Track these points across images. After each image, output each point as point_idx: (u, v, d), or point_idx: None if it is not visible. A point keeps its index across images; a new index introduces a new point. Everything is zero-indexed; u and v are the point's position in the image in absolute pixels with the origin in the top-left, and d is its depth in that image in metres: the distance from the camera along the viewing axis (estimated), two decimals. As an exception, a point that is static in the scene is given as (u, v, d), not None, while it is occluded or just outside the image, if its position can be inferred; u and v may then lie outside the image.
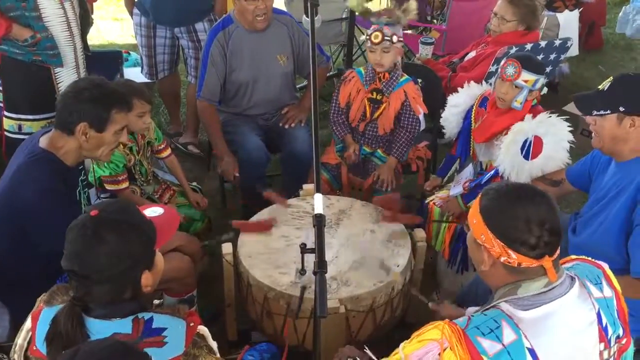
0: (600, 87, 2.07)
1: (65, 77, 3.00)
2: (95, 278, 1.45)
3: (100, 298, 1.46)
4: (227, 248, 2.37)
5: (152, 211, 1.64)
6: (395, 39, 2.80)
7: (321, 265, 1.42)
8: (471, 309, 1.97)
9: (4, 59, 2.92)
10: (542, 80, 2.56)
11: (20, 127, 3.02)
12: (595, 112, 2.07)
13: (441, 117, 2.93)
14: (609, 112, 2.03)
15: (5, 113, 3.07)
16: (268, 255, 2.33)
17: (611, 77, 2.07)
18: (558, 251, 1.48)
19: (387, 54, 2.82)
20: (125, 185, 2.63)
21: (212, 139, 3.24)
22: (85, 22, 3.13)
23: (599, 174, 2.26)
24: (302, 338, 2.23)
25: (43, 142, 2.12)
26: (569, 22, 4.69)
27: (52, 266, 2.10)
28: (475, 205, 1.54)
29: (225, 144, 3.11)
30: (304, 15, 1.90)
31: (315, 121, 1.65)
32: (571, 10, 4.76)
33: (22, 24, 2.81)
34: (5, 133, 3.08)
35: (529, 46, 3.39)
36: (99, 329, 1.44)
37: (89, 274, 1.44)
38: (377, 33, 2.79)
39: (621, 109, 2.01)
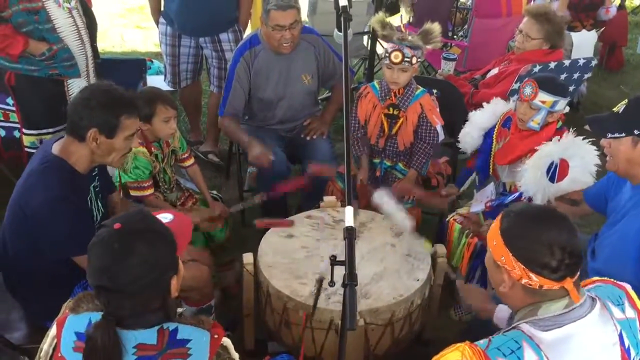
0: (614, 109, 2.06)
1: (77, 86, 3.01)
2: (128, 290, 1.43)
3: (132, 309, 1.45)
4: (247, 258, 2.38)
5: (163, 217, 1.62)
6: (414, 60, 2.79)
7: (351, 278, 1.43)
8: (503, 308, 1.94)
9: (18, 77, 2.91)
10: (563, 102, 2.54)
11: (41, 142, 3.04)
12: (609, 135, 2.06)
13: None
14: (623, 135, 2.02)
15: (25, 131, 3.08)
16: (288, 265, 2.34)
17: (626, 100, 2.05)
18: (578, 272, 1.48)
19: (405, 73, 2.82)
20: (150, 191, 2.65)
21: (237, 137, 3.20)
22: (93, 29, 3.11)
23: (615, 195, 2.25)
24: (319, 349, 2.23)
25: (56, 148, 2.13)
26: (584, 42, 4.69)
27: (67, 273, 2.14)
28: (495, 226, 1.54)
29: (248, 135, 3.10)
30: (336, 29, 1.92)
31: (347, 135, 1.66)
32: (589, 31, 4.76)
33: (35, 39, 2.80)
34: (27, 149, 3.09)
35: (552, 65, 3.39)
36: (124, 338, 1.44)
37: (121, 287, 1.42)
38: (397, 53, 2.76)
39: (636, 132, 1.99)
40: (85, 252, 1.48)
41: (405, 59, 2.77)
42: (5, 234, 2.21)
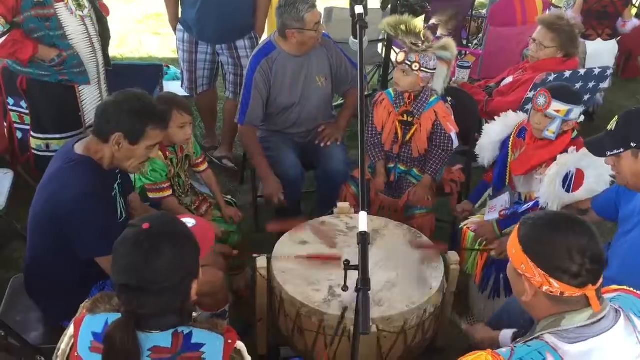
0: (608, 127, 2.07)
1: (88, 93, 3.06)
2: (152, 290, 1.45)
3: (152, 309, 1.47)
4: (261, 262, 2.39)
5: (186, 222, 1.65)
6: (416, 66, 2.80)
7: (364, 283, 1.44)
8: (506, 332, 1.96)
9: (29, 82, 2.96)
10: (577, 110, 2.55)
11: (48, 146, 3.09)
12: (609, 153, 2.06)
13: (477, 143, 2.93)
14: (622, 150, 2.02)
15: (33, 134, 3.13)
16: (302, 271, 2.35)
17: (617, 117, 2.06)
18: (601, 280, 1.47)
19: (405, 77, 2.84)
20: (168, 193, 2.67)
21: (255, 162, 3.23)
22: (105, 37, 3.15)
23: (626, 204, 2.25)
24: (332, 356, 2.24)
25: (79, 148, 2.17)
26: (600, 51, 4.65)
27: (88, 273, 2.16)
28: (514, 235, 1.54)
29: (268, 166, 3.13)
30: (351, 37, 1.94)
31: (362, 141, 1.68)
32: (605, 40, 4.73)
33: (46, 45, 2.84)
34: (34, 151, 3.16)
35: (567, 73, 3.37)
36: (140, 340, 1.45)
37: (146, 286, 1.44)
38: (402, 53, 2.82)
39: (633, 144, 2.00)
40: (111, 252, 1.50)
41: (406, 62, 2.79)
42: (29, 235, 2.24)
